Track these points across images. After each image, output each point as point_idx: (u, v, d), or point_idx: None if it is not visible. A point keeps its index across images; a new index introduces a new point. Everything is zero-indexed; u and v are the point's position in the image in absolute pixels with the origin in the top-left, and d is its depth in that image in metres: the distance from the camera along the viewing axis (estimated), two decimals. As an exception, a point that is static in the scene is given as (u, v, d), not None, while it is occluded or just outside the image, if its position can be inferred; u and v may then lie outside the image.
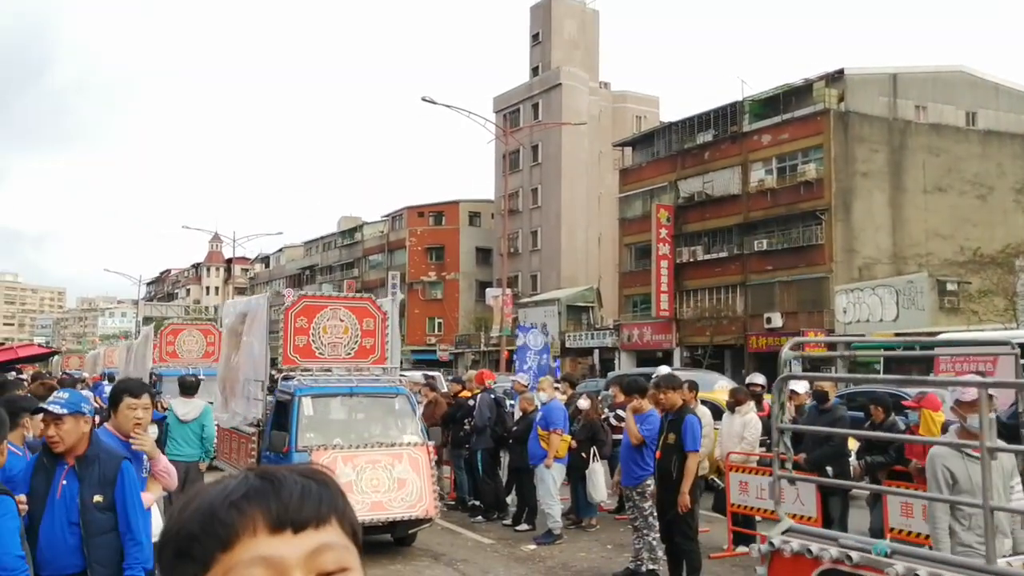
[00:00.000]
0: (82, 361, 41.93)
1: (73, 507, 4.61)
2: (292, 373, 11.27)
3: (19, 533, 4.10)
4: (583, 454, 12.18)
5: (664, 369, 15.55)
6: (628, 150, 56.39)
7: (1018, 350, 6.85)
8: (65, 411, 4.64)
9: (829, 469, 10.10)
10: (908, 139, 44.53)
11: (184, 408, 10.91)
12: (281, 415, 11.06)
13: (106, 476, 4.70)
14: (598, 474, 11.92)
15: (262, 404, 11.77)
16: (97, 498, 4.65)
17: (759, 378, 13.72)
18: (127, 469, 4.79)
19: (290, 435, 10.30)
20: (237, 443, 12.77)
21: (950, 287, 39.22)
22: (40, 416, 5.20)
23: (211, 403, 18.78)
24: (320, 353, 11.48)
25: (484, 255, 70.38)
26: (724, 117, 48.63)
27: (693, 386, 10.88)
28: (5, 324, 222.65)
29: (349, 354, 11.67)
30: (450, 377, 20.01)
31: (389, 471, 10.02)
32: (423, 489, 10.22)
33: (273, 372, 12.33)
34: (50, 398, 4.85)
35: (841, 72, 44.29)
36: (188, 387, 11.22)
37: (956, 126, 45.85)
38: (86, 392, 13.49)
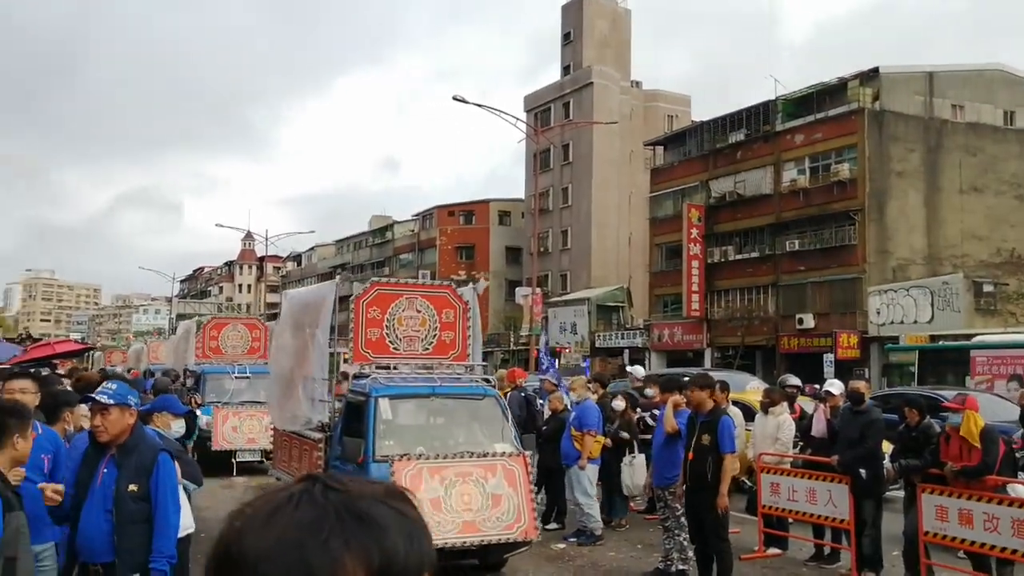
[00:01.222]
0: (124, 357, 40.78)
1: (109, 495, 4.67)
2: (365, 371, 9.86)
3: (11, 532, 4.00)
4: (626, 448, 12.33)
5: (637, 371, 17.24)
6: (659, 149, 55.28)
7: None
8: (112, 402, 4.72)
9: (863, 472, 9.87)
10: (944, 138, 43.31)
11: None
12: (352, 419, 9.64)
13: (143, 466, 4.75)
14: (639, 467, 11.86)
15: (328, 406, 10.42)
16: (132, 487, 4.70)
17: (793, 379, 13.48)
18: (164, 461, 4.83)
19: (366, 442, 8.88)
20: (299, 450, 11.16)
21: (986, 288, 38.46)
22: (82, 408, 5.62)
23: (259, 402, 17.42)
24: (395, 348, 10.02)
25: (514, 254, 69.40)
26: (756, 116, 47.53)
27: (724, 387, 10.92)
28: (43, 320, 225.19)
29: (426, 349, 10.19)
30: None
31: (482, 486, 8.44)
32: (521, 507, 8.61)
33: (347, 369, 11.06)
34: (99, 388, 4.89)
35: (876, 71, 43.13)
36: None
37: (994, 125, 44.63)
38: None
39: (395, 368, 9.97)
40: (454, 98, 36.95)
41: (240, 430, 17.05)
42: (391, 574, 0.94)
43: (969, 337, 28.38)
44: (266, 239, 69.16)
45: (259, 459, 17.17)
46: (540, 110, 64.56)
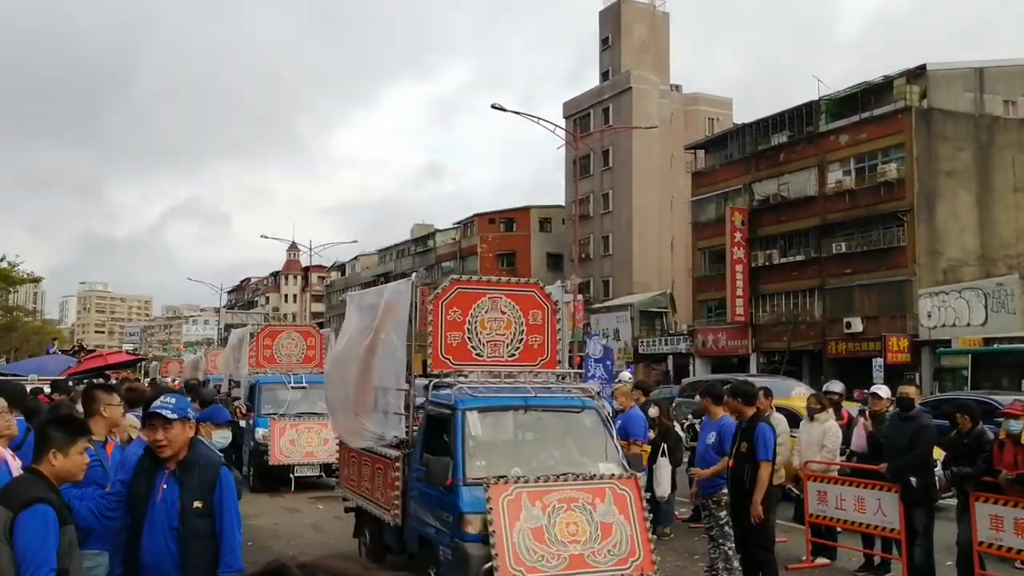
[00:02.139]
0: (181, 367, 39.86)
1: (174, 512, 4.58)
2: (447, 379, 8.62)
3: (66, 544, 3.96)
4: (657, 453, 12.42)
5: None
6: (700, 153, 54.03)
7: None
8: (175, 416, 4.64)
9: (913, 480, 9.49)
10: (996, 135, 41.73)
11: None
12: (434, 434, 8.45)
13: (206, 482, 4.66)
14: (664, 469, 12.15)
15: (403, 420, 9.21)
16: (197, 504, 4.61)
17: (837, 386, 13.10)
18: (226, 476, 4.76)
19: (455, 463, 7.59)
20: (371, 469, 9.81)
21: (1044, 290, 37.16)
22: (131, 419, 6.04)
23: (317, 414, 16.20)
24: (477, 354, 8.83)
25: (555, 260, 68.02)
26: (799, 117, 46.18)
27: (768, 393, 11.00)
28: (96, 332, 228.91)
29: (512, 355, 8.97)
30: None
31: (589, 513, 7.13)
32: (635, 537, 7.25)
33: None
34: (157, 402, 4.77)
35: (923, 68, 41.67)
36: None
37: None
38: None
39: (476, 377, 8.70)
40: (492, 106, 36.26)
41: (298, 443, 16.01)
42: None
43: (1025, 340, 27.37)
44: (310, 249, 69.07)
45: (318, 474, 16.23)
46: (579, 116, 63.58)
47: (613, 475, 7.48)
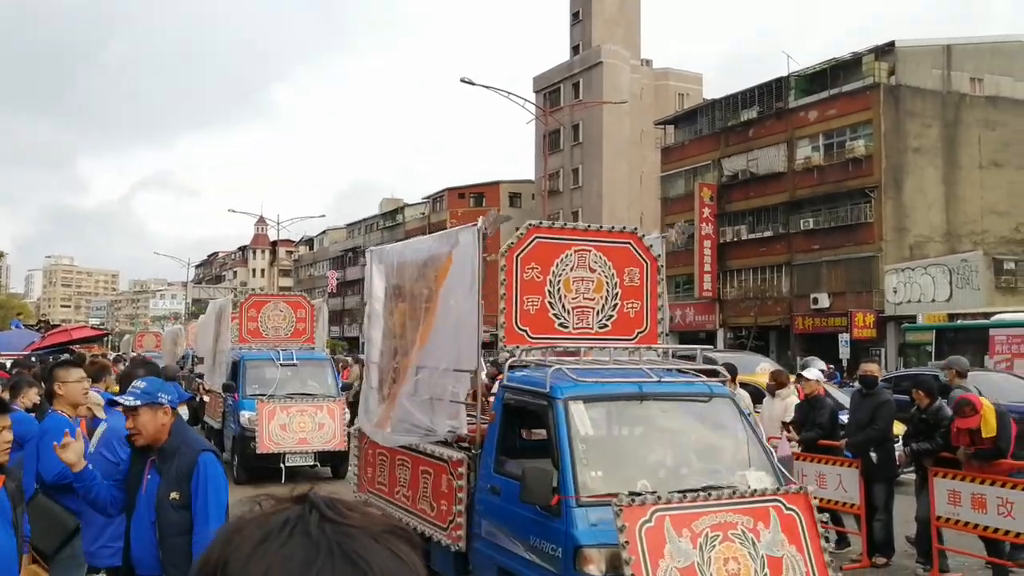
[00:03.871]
0: (158, 339, 36.85)
1: (152, 505, 4.23)
2: (526, 359, 6.60)
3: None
4: None
5: None
6: (670, 128, 52.95)
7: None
8: (139, 403, 4.21)
9: (873, 455, 9.44)
10: (963, 113, 41.17)
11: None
12: (510, 430, 6.57)
13: (182, 471, 4.20)
14: None
15: (461, 411, 6.99)
16: (173, 495, 4.18)
17: (813, 373, 12.55)
18: (205, 463, 4.23)
19: (560, 472, 5.47)
20: (413, 472, 7.34)
21: (1007, 265, 37.00)
22: (95, 396, 5.71)
23: (309, 394, 14.28)
24: (561, 324, 6.74)
25: (525, 236, 68.49)
26: (769, 93, 45.37)
27: (731, 369, 10.67)
28: (63, 306, 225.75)
29: (604, 326, 6.88)
30: (490, 359, 16.27)
31: (752, 544, 4.99)
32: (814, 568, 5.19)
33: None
34: (129, 389, 4.41)
35: (892, 45, 40.90)
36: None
37: (1014, 98, 42.22)
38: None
39: (563, 354, 6.63)
40: (462, 80, 35.63)
41: (290, 428, 13.75)
42: None
43: (988, 316, 27.29)
44: (278, 223, 67.92)
45: (312, 464, 14.19)
46: (549, 90, 62.25)
47: (772, 489, 5.35)
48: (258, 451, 13.57)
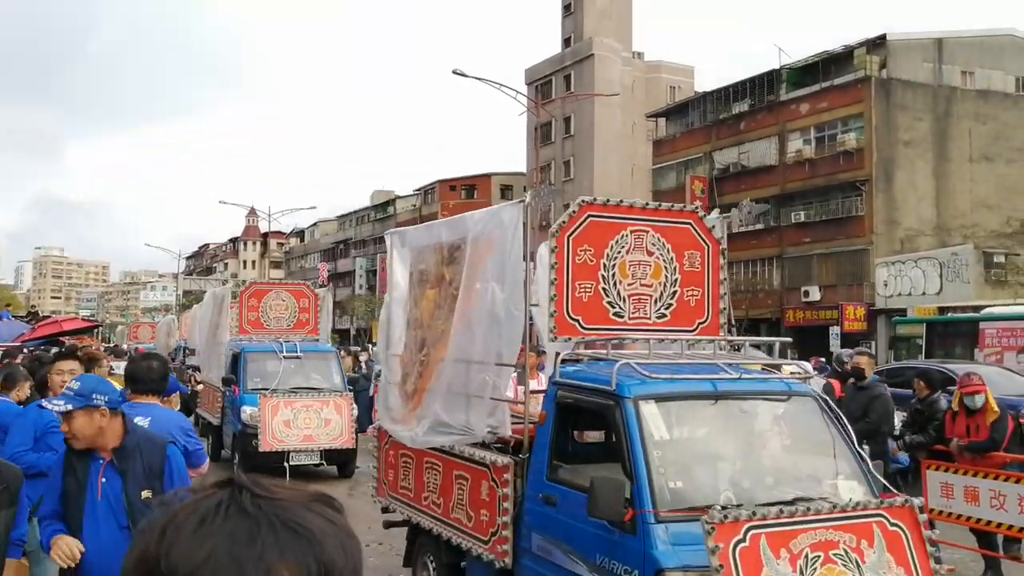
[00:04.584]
0: (153, 330, 35.71)
1: (120, 508, 3.99)
2: (579, 352, 5.95)
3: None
4: None
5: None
6: (662, 121, 52.54)
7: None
8: (71, 407, 3.95)
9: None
10: (953, 106, 40.89)
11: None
12: (563, 432, 5.89)
13: (152, 468, 4.06)
14: None
15: (503, 410, 6.19)
16: (145, 493, 4.00)
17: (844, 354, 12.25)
18: (173, 455, 4.15)
19: (636, 483, 4.74)
20: (448, 477, 6.58)
21: (997, 259, 36.75)
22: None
23: (315, 388, 13.66)
24: (616, 314, 6.02)
25: (516, 228, 68.23)
26: (760, 86, 44.98)
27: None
28: (53, 298, 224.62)
29: (662, 316, 6.20)
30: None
31: (857, 566, 4.31)
32: None
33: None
34: (64, 389, 4.26)
35: (883, 38, 40.64)
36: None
37: (1004, 92, 42.03)
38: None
39: (621, 346, 5.91)
40: (454, 72, 35.31)
41: (294, 425, 13.01)
42: None
43: (978, 309, 27.15)
44: (269, 215, 67.34)
45: (318, 462, 13.43)
46: (541, 83, 61.66)
47: (881, 503, 4.60)
48: (260, 449, 12.82)
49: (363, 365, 23.23)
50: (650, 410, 5.04)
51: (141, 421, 4.67)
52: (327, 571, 0.89)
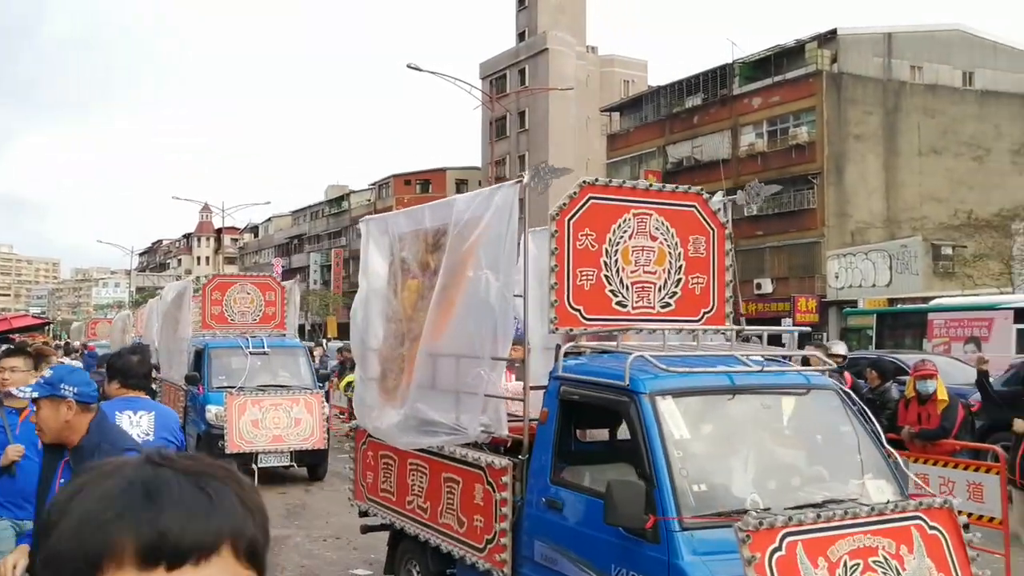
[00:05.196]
0: (111, 326, 33.76)
1: None
2: (581, 345, 5.47)
3: None
4: None
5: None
6: (616, 115, 52.48)
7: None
8: (36, 394, 3.77)
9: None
10: (903, 100, 41.21)
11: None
12: (567, 430, 5.39)
13: None
14: None
15: (497, 407, 5.64)
16: None
17: (841, 347, 12.03)
18: None
19: (658, 487, 4.24)
20: (435, 479, 6.07)
21: (945, 251, 37.12)
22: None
23: (283, 386, 13.04)
24: (619, 303, 5.56)
25: (471, 223, 67.80)
26: (713, 80, 45.07)
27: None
28: (1, 295, 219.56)
29: (666, 306, 5.76)
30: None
31: (897, 573, 3.92)
32: None
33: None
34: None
35: (834, 32, 40.81)
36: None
37: (952, 86, 42.41)
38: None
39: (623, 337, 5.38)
40: (408, 66, 34.96)
41: (263, 424, 12.32)
42: (161, 550, 0.89)
43: (927, 300, 27.41)
44: (223, 211, 66.27)
45: (288, 464, 12.72)
46: (495, 77, 61.22)
47: (920, 504, 4.17)
48: (227, 451, 12.10)
49: (317, 361, 22.59)
50: (668, 407, 4.56)
51: (144, 415, 4.54)
52: (161, 535, 0.89)
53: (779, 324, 36.73)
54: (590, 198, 5.56)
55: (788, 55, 42.39)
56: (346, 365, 21.18)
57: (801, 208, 40.39)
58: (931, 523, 4.09)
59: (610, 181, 5.78)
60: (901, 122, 41.31)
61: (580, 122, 58.85)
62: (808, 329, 8.41)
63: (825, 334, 37.16)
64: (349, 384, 18.69)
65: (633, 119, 51.13)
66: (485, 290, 5.57)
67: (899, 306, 30.43)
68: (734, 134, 43.76)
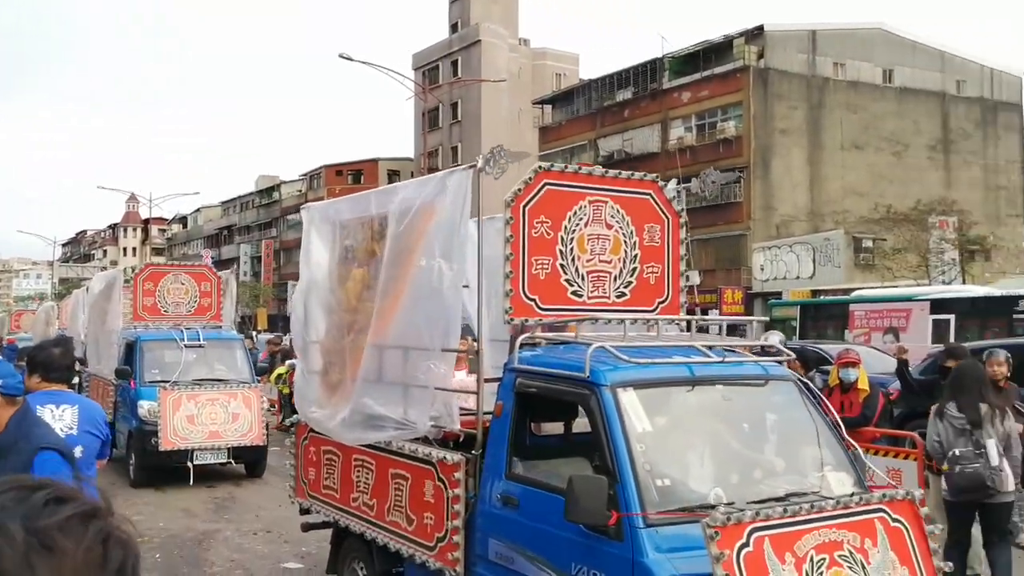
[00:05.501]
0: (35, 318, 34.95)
1: None
2: (536, 336, 5.21)
3: None
4: None
5: None
6: (548, 108, 52.43)
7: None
8: None
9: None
10: (826, 96, 42.05)
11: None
12: (522, 424, 5.17)
13: (16, 472, 3.23)
14: None
15: (446, 401, 5.43)
16: None
17: (775, 337, 12.33)
18: (42, 462, 3.55)
19: (621, 483, 4.07)
20: (390, 478, 5.72)
21: (865, 244, 38.03)
22: None
23: (220, 380, 12.59)
24: (575, 292, 5.35)
25: (403, 214, 67.24)
26: (644, 74, 45.32)
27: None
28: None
29: (622, 295, 5.57)
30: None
31: (863, 567, 3.83)
32: None
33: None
34: None
35: (761, 29, 41.35)
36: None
37: (873, 83, 43.30)
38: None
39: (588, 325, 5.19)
40: (340, 56, 34.42)
41: (198, 420, 11.81)
42: None
43: (848, 292, 28.03)
44: (150, 201, 64.75)
45: (225, 461, 12.21)
46: (428, 68, 60.79)
47: (884, 497, 4.12)
48: (161, 448, 11.60)
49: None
50: (630, 399, 4.39)
51: (67, 409, 4.35)
52: None
53: (706, 316, 37.18)
54: (545, 184, 5.34)
55: (716, 50, 42.84)
56: (276, 357, 20.72)
57: (728, 201, 40.90)
58: (894, 515, 4.04)
59: (566, 167, 5.56)
60: (825, 118, 42.11)
61: (512, 114, 58.77)
62: (768, 319, 8.38)
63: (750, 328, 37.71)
64: (280, 376, 18.35)
65: (565, 112, 51.20)
66: (438, 279, 5.30)
67: (822, 298, 31.00)
68: (664, 128, 44.11)
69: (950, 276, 31.67)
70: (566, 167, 5.52)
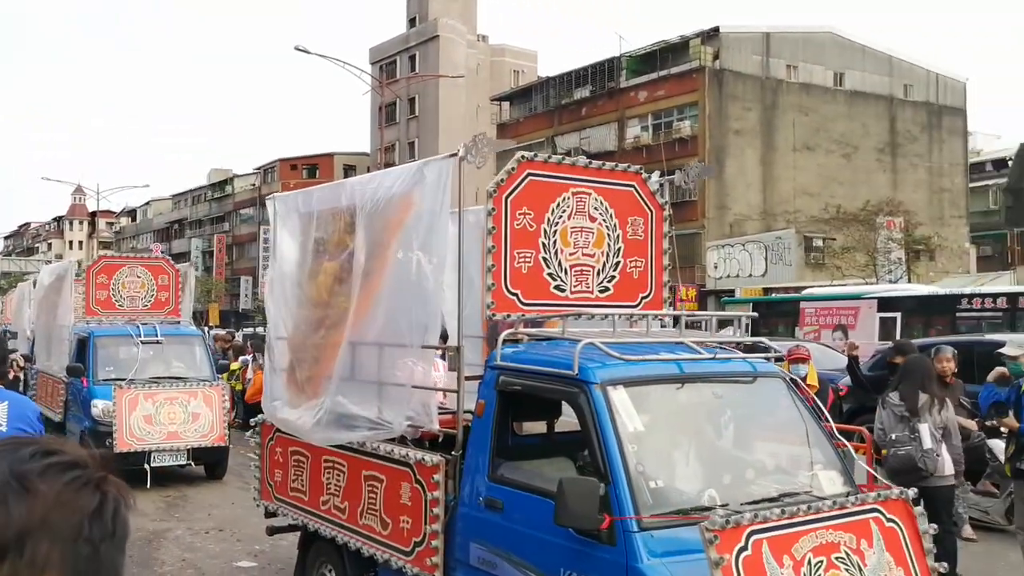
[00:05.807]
0: None
1: None
2: (518, 332, 5.04)
3: None
4: None
5: None
6: (506, 105, 52.31)
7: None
8: None
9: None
10: (779, 98, 42.49)
11: None
12: (506, 422, 5.03)
13: None
14: None
15: (424, 399, 5.19)
16: None
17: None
18: None
19: (614, 485, 3.90)
20: (363, 480, 5.48)
21: (816, 243, 38.57)
22: None
23: (178, 378, 12.09)
24: (558, 288, 5.19)
25: (359, 209, 66.68)
26: (601, 73, 45.40)
27: None
28: None
29: (604, 290, 5.42)
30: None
31: (859, 569, 3.73)
32: None
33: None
34: None
35: (716, 30, 41.64)
36: None
37: (825, 86, 43.79)
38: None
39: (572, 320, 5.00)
40: (296, 48, 34.03)
41: (156, 420, 11.26)
42: None
43: (799, 290, 28.36)
44: (97, 193, 63.35)
45: (184, 463, 11.69)
46: (386, 62, 60.28)
47: (878, 497, 4.00)
48: (116, 449, 10.96)
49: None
50: (620, 397, 4.19)
51: None
52: None
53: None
54: (528, 174, 5.17)
55: (673, 50, 43.05)
56: (228, 353, 20.28)
57: (683, 200, 41.07)
58: (888, 515, 3.93)
59: (549, 157, 5.40)
60: (778, 119, 42.54)
61: (470, 110, 58.52)
62: (755, 314, 8.39)
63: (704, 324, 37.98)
64: (233, 373, 17.99)
65: (522, 109, 51.11)
66: (416, 273, 5.07)
67: (773, 295, 31.29)
68: (620, 126, 44.24)
69: (896, 275, 32.15)
70: (549, 157, 5.35)
